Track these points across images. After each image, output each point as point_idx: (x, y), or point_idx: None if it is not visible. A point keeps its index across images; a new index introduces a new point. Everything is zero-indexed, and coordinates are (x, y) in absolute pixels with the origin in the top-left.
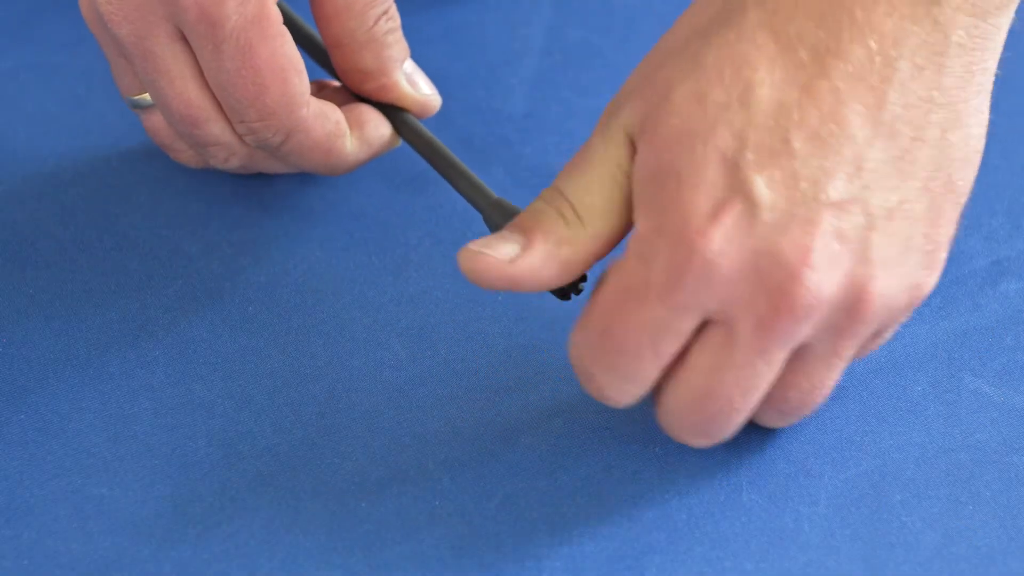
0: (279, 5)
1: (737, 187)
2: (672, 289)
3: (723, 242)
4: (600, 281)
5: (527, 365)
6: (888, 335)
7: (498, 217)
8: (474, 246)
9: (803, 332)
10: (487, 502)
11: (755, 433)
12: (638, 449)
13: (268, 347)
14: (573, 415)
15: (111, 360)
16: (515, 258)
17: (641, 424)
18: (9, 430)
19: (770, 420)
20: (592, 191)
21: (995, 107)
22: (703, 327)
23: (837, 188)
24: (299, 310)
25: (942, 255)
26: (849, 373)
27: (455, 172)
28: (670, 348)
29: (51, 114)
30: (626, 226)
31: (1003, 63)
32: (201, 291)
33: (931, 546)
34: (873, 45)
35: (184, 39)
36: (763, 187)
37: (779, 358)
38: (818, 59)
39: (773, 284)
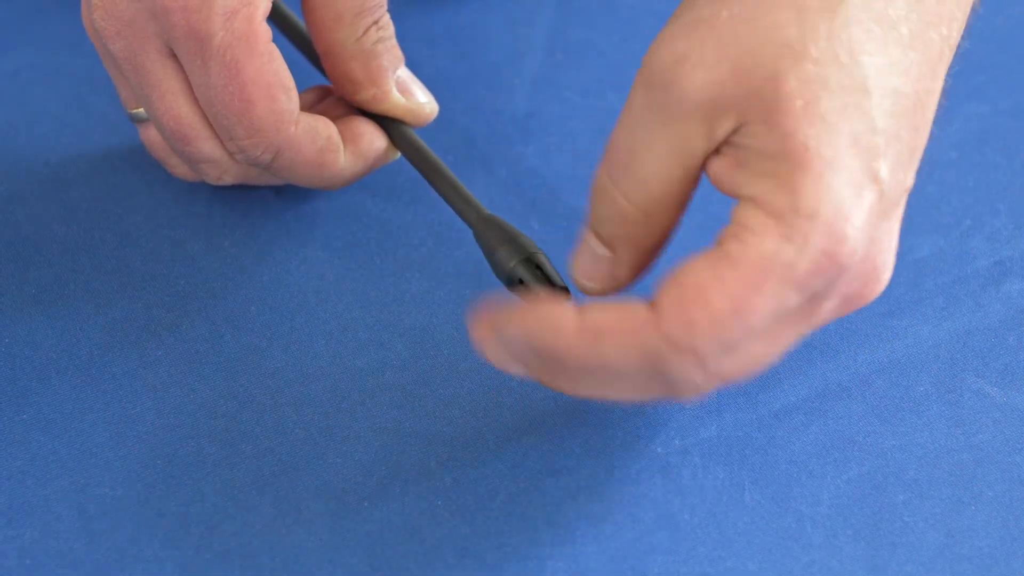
0: (279, 8)
1: (871, 173)
2: (815, 275)
3: (864, 230)
4: (719, 255)
5: None
6: None
7: (488, 233)
8: (578, 273)
9: None
10: (489, 502)
11: (757, 433)
12: (640, 449)
13: (271, 347)
14: (576, 415)
15: (114, 360)
16: (615, 274)
17: (644, 423)
18: (12, 430)
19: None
20: (653, 183)
21: (995, 107)
22: None
23: (910, 176)
24: (302, 310)
25: None
26: (852, 373)
27: (447, 185)
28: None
29: (53, 114)
30: (684, 203)
31: (1003, 64)
32: (204, 290)
33: (933, 547)
34: (944, 31)
35: (175, 56)
36: (887, 173)
37: None
38: (915, 41)
39: (871, 268)
